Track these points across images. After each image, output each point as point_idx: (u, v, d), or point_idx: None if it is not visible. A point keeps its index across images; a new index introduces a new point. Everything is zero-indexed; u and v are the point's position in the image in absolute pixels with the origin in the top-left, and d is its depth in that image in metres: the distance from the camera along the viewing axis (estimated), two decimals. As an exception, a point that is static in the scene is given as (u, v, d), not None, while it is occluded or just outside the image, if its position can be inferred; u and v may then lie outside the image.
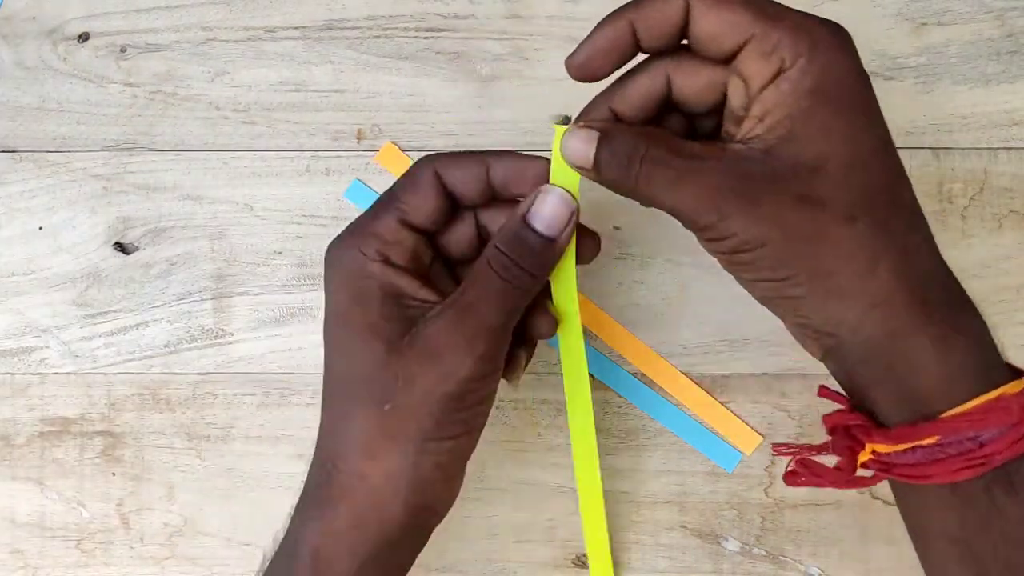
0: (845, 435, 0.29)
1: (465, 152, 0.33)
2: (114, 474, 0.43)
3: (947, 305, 0.29)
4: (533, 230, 0.31)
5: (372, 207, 0.34)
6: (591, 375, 0.42)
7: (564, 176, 0.31)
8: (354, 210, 0.43)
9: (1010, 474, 0.27)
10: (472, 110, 0.44)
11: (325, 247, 0.43)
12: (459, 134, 0.44)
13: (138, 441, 0.43)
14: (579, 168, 0.31)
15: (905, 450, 0.28)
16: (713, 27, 0.28)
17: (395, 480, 0.32)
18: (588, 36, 0.31)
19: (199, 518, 0.43)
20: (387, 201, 0.33)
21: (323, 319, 0.34)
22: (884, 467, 0.29)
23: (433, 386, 0.31)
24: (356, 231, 0.33)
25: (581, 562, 0.42)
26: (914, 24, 0.44)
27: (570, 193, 0.31)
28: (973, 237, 0.43)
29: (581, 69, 0.31)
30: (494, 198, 0.33)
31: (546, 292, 0.34)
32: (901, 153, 0.43)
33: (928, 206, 0.43)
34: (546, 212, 0.31)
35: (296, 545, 0.33)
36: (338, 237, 0.34)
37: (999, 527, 0.28)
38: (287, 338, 0.43)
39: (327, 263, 0.34)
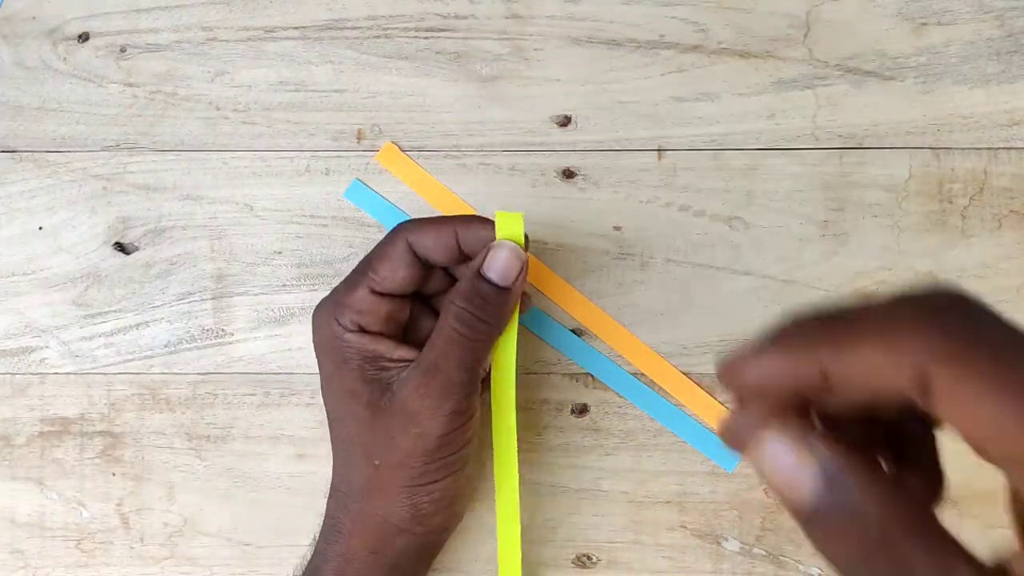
0: None
1: (434, 220, 0.36)
2: (114, 474, 0.43)
3: None
4: (488, 281, 0.34)
5: (349, 277, 0.36)
6: (592, 375, 0.42)
7: (510, 234, 0.34)
8: (353, 210, 0.43)
9: None
10: (472, 110, 0.44)
11: (325, 247, 0.43)
12: (459, 134, 0.44)
13: (138, 441, 0.43)
14: (780, 491, 0.20)
15: None
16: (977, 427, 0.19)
17: (396, 518, 0.35)
18: (763, 348, 0.21)
19: (199, 518, 0.43)
20: (361, 272, 0.36)
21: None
22: None
23: (412, 445, 0.34)
24: (333, 302, 0.36)
25: (581, 562, 0.42)
26: (914, 24, 0.44)
27: (520, 245, 0.34)
28: (973, 237, 0.43)
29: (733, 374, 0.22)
30: (464, 259, 0.36)
31: None
32: (901, 153, 0.44)
33: (928, 206, 0.43)
34: (499, 264, 0.34)
35: (320, 568, 0.36)
36: (320, 304, 0.37)
37: None
38: (287, 338, 0.43)
39: (312, 328, 0.37)
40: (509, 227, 0.34)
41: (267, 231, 0.44)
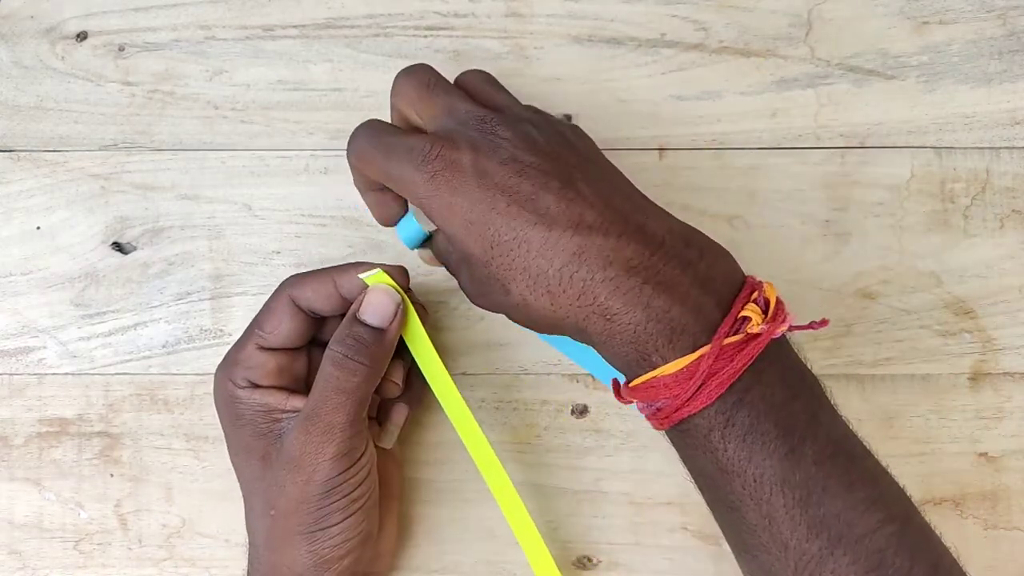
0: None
1: (315, 272, 0.36)
2: (112, 475, 0.43)
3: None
4: (364, 324, 0.35)
5: (241, 335, 0.37)
6: (593, 376, 0.42)
7: (382, 282, 0.36)
8: (352, 209, 0.43)
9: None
10: (472, 109, 0.43)
11: (324, 247, 0.43)
12: (459, 133, 0.43)
13: (136, 442, 0.43)
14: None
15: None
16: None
17: (302, 565, 0.36)
18: None
19: (197, 519, 0.42)
20: (250, 329, 0.37)
21: None
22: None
23: (300, 491, 0.35)
24: (226, 361, 0.37)
25: (582, 564, 0.42)
26: (916, 23, 0.44)
27: (394, 288, 0.36)
28: (975, 237, 0.43)
29: None
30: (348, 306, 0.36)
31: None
32: (903, 153, 0.44)
33: (930, 206, 0.43)
34: (372, 306, 0.35)
35: None
36: (219, 365, 0.37)
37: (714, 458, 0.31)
38: (286, 338, 0.43)
39: (213, 390, 0.37)
40: (379, 280, 0.36)
41: (265, 231, 0.43)
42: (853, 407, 0.42)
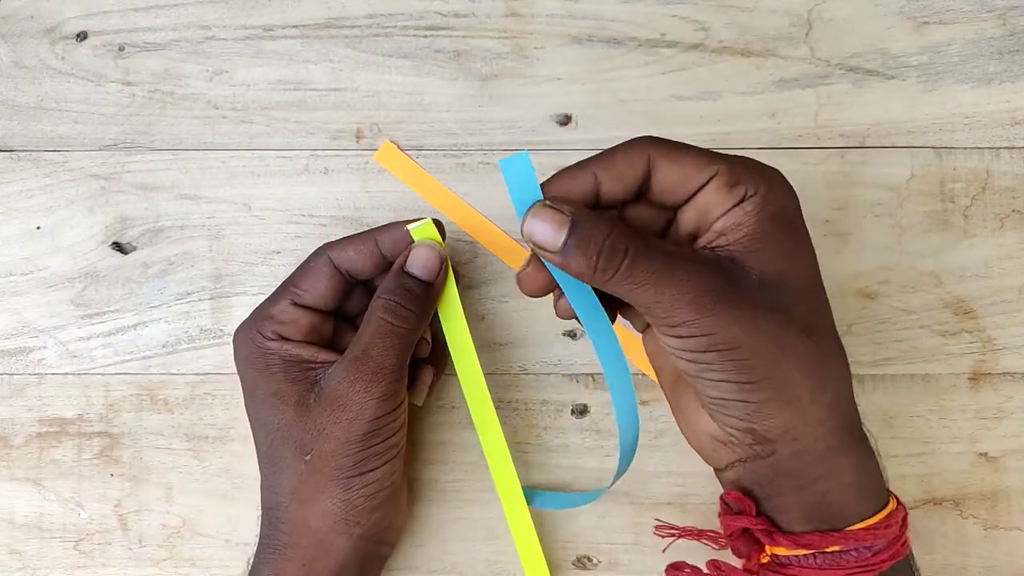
0: (746, 538, 0.33)
1: (354, 235, 0.37)
2: (112, 475, 0.43)
3: (859, 428, 0.32)
4: (412, 276, 0.36)
5: (271, 294, 0.38)
6: (592, 376, 0.42)
7: (427, 237, 0.37)
8: (352, 209, 0.43)
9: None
10: (472, 109, 0.44)
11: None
12: (459, 133, 0.43)
13: (136, 442, 0.43)
14: (542, 251, 0.31)
15: (807, 555, 0.31)
16: (677, 174, 0.31)
17: (332, 518, 0.35)
18: (551, 179, 0.32)
19: (197, 519, 0.42)
20: (284, 287, 0.37)
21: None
22: (778, 569, 0.32)
23: (344, 431, 0.35)
24: (254, 316, 0.37)
25: (582, 563, 0.42)
26: (916, 23, 0.44)
27: (439, 244, 0.37)
28: (975, 237, 0.43)
29: None
30: (387, 267, 0.37)
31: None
32: (903, 153, 0.44)
33: (930, 206, 0.43)
34: (420, 260, 0.36)
35: None
36: (240, 325, 0.38)
37: None
38: (286, 338, 0.43)
39: (234, 349, 0.38)
40: (425, 234, 0.37)
41: (265, 231, 0.43)
42: (853, 407, 0.42)
